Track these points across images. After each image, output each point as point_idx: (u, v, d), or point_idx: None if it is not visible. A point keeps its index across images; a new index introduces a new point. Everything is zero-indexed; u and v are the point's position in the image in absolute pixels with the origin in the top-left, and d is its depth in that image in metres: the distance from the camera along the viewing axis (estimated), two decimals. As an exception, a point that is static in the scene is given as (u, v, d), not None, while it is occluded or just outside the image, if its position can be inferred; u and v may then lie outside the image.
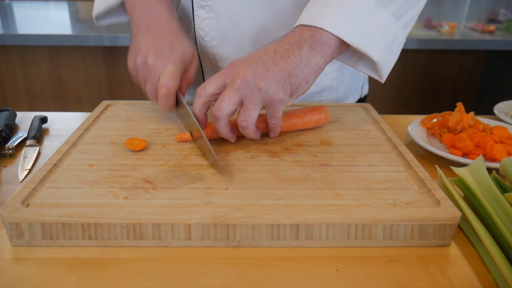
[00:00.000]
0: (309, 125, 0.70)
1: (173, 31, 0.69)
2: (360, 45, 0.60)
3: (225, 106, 0.57)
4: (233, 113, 0.59)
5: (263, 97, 0.58)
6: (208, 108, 0.63)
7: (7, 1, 2.66)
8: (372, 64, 0.66)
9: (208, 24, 0.79)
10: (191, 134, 0.64)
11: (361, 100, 0.99)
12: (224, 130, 0.61)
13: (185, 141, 0.65)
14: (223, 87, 0.59)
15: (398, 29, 0.64)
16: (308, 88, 0.62)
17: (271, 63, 0.58)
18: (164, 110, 0.66)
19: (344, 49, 0.63)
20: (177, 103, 0.67)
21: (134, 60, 0.67)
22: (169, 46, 0.66)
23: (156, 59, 0.64)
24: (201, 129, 0.60)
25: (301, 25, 0.61)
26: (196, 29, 0.81)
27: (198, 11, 0.79)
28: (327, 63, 0.62)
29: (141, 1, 0.71)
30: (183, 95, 0.67)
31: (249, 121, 0.58)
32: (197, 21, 0.80)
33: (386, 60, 0.64)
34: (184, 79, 0.68)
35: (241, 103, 0.59)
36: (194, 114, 0.62)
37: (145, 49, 0.66)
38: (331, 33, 0.59)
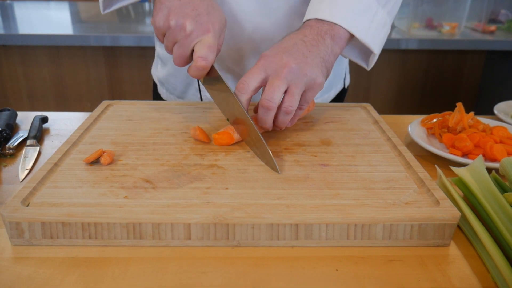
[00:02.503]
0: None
1: None
2: (367, 40, 0.67)
3: (277, 95, 0.58)
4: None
5: (307, 82, 0.60)
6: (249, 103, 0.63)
7: (8, 1, 2.66)
8: (364, 55, 0.74)
9: None
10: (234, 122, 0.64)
11: (344, 90, 1.01)
12: (271, 121, 0.61)
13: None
14: (265, 80, 0.60)
15: (389, 25, 0.71)
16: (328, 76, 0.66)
17: (306, 50, 0.61)
18: (192, 76, 0.62)
19: (347, 43, 0.68)
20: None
21: (166, 20, 0.60)
22: (206, 11, 0.61)
23: (195, 26, 0.59)
24: (249, 117, 0.60)
25: (316, 19, 0.65)
26: None
27: None
28: (339, 54, 0.67)
29: None
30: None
31: (294, 106, 0.60)
32: None
33: (379, 52, 0.72)
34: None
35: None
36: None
37: (181, 10, 0.60)
38: (345, 29, 0.65)
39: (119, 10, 2.55)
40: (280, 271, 0.44)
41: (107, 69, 2.09)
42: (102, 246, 0.47)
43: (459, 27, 2.21)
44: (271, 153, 0.57)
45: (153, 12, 0.63)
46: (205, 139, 0.64)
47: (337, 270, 0.45)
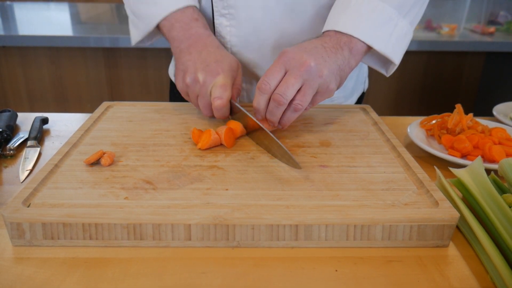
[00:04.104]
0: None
1: (214, 46, 0.71)
2: (387, 52, 0.68)
3: (290, 92, 0.60)
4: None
5: (321, 84, 0.61)
6: None
7: (8, 2, 2.66)
8: (385, 62, 0.74)
9: (229, 32, 0.80)
10: (247, 127, 0.67)
11: (363, 94, 1.02)
12: (279, 115, 0.63)
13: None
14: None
15: (411, 34, 0.71)
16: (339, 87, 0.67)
17: (325, 54, 0.62)
18: (219, 118, 0.68)
19: (365, 54, 0.69)
20: (231, 111, 0.68)
21: (183, 80, 0.68)
22: (215, 60, 0.67)
23: (206, 74, 0.65)
24: (269, 132, 0.61)
25: (335, 31, 0.66)
26: (216, 37, 0.81)
27: (218, 19, 0.79)
28: (354, 68, 0.67)
29: (178, 21, 0.72)
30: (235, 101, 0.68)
31: (304, 105, 0.61)
32: (217, 29, 0.80)
33: (399, 61, 0.71)
34: (233, 89, 0.69)
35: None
36: (259, 110, 0.63)
37: (193, 67, 0.67)
38: (364, 42, 0.66)
39: (118, 11, 2.55)
40: (280, 272, 0.45)
41: (107, 70, 2.10)
42: (103, 246, 0.48)
43: (458, 28, 2.22)
44: (289, 152, 0.58)
45: (175, 78, 0.71)
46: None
47: (336, 270, 0.45)
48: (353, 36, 0.65)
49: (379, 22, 0.66)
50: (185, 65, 0.68)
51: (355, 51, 0.66)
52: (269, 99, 0.62)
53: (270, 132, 0.61)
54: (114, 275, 0.44)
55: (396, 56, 0.69)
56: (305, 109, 0.64)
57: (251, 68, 0.84)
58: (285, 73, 0.61)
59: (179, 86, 0.69)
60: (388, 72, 0.74)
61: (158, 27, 0.76)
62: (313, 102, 0.64)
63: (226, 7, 0.77)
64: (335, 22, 0.67)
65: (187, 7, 0.73)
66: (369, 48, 0.67)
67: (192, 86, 0.67)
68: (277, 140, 0.59)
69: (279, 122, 0.64)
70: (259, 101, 0.62)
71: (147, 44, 0.83)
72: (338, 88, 0.66)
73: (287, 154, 0.57)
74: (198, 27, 0.72)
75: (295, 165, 0.56)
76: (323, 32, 0.68)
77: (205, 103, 0.67)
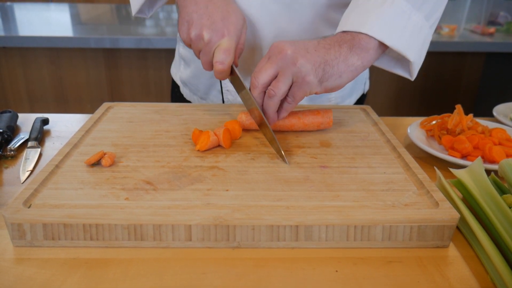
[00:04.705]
0: (310, 128, 0.71)
1: None
2: (399, 47, 0.64)
3: (261, 76, 0.62)
4: (269, 83, 0.63)
5: (295, 73, 0.61)
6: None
7: (8, 3, 2.67)
8: (406, 65, 0.70)
9: None
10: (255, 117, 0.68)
11: (363, 96, 1.01)
12: (258, 98, 0.64)
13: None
14: None
15: (428, 30, 0.68)
16: (341, 85, 0.65)
17: (312, 48, 0.62)
18: (217, 78, 0.68)
19: (381, 53, 0.66)
20: (231, 72, 0.68)
21: (187, 33, 0.67)
22: (221, 17, 0.66)
23: (211, 34, 0.65)
24: (261, 112, 0.64)
25: (342, 31, 0.65)
26: None
27: None
28: (364, 67, 0.64)
29: None
30: (236, 65, 0.68)
31: (276, 92, 0.62)
32: None
33: (418, 60, 0.68)
34: (237, 49, 0.68)
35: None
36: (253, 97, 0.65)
37: (198, 22, 0.66)
38: (371, 37, 0.63)
39: (118, 12, 2.55)
40: (280, 272, 0.45)
41: (107, 71, 2.10)
42: (103, 247, 0.48)
43: (458, 29, 2.22)
44: (279, 146, 0.61)
45: (178, 26, 0.70)
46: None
47: (336, 271, 0.45)
48: (360, 33, 0.63)
49: (389, 15, 0.63)
50: (190, 16, 0.67)
51: (358, 48, 0.63)
52: (262, 93, 0.64)
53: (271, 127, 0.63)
54: (114, 275, 0.44)
55: (411, 52, 0.65)
56: (287, 101, 0.64)
57: (249, 66, 0.84)
58: None
59: (183, 37, 0.68)
60: (412, 75, 0.70)
61: None
62: (293, 95, 0.63)
63: None
64: (344, 23, 0.66)
65: None
66: (385, 47, 0.65)
67: (196, 42, 0.67)
68: (269, 127, 0.62)
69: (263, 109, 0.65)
70: (253, 95, 0.64)
71: (148, 15, 0.82)
72: (324, 85, 0.63)
73: (276, 143, 0.61)
74: None
75: (281, 155, 0.61)
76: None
77: (206, 60, 0.67)
